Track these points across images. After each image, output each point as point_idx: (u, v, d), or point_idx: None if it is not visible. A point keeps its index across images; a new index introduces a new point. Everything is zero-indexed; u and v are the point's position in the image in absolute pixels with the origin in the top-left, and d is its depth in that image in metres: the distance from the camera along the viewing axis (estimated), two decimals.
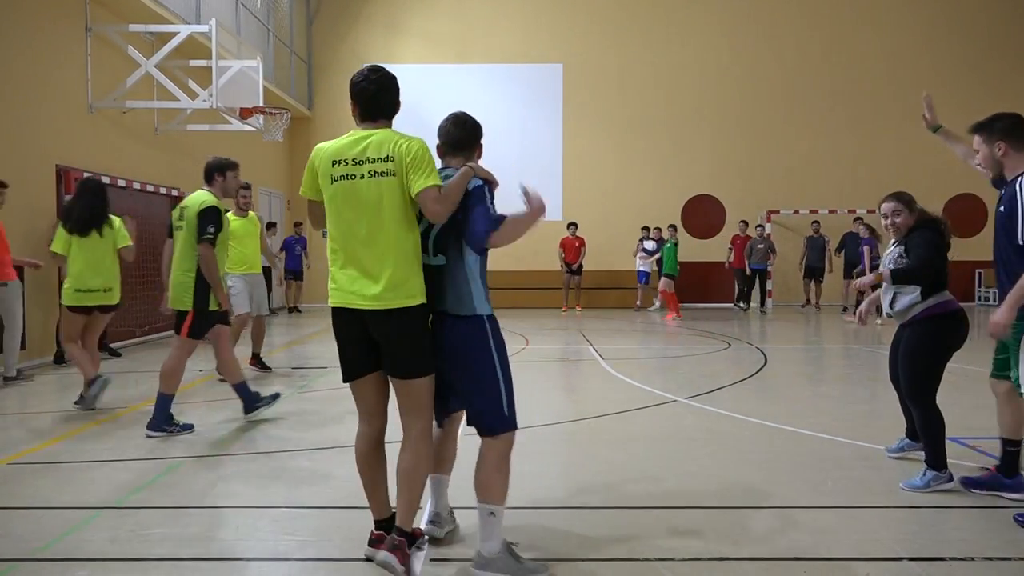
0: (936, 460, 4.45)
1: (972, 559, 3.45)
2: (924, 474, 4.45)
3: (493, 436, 3.38)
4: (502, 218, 3.30)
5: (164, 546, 3.66)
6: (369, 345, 3.33)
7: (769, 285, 18.68)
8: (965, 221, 17.17)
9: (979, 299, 18.88)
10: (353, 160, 3.25)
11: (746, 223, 17.92)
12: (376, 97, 3.36)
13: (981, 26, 19.27)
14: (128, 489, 4.56)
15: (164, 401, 5.84)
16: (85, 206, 6.80)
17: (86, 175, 10.16)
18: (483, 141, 3.71)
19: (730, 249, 18.02)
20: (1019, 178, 3.95)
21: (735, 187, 19.33)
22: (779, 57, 19.43)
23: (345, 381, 3.46)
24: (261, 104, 12.18)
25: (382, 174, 3.21)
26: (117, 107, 11.11)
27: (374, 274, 3.22)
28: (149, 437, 5.73)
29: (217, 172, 6.04)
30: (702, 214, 19.14)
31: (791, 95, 19.38)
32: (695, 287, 19.01)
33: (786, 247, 18.47)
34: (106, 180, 10.78)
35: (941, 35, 19.29)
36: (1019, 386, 3.96)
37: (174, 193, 12.77)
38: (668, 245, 15.95)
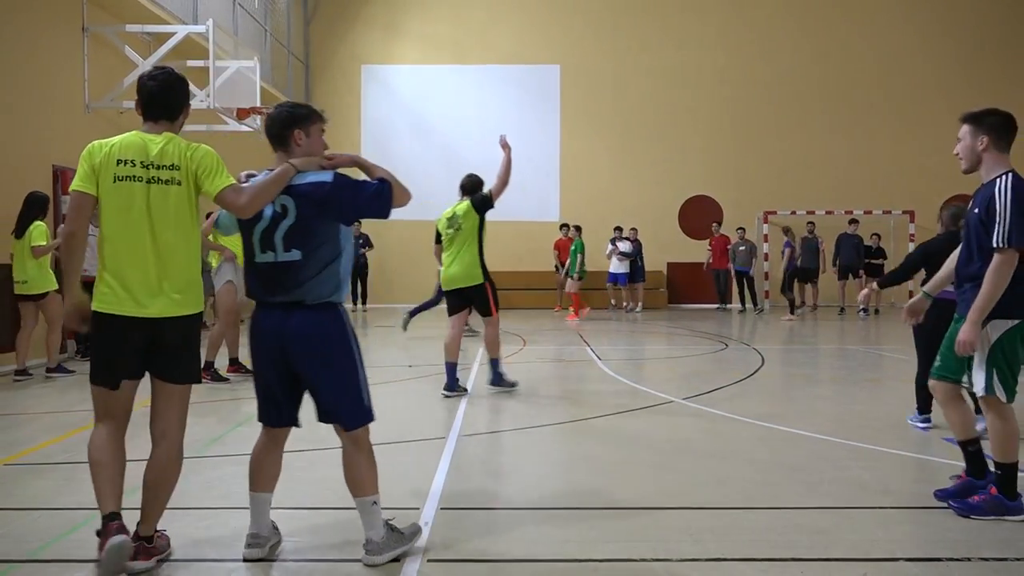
0: None
1: (968, 559, 3.47)
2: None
3: (354, 430, 3.45)
4: (386, 186, 3.44)
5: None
6: (141, 352, 3.29)
7: (766, 286, 18.73)
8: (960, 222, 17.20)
9: None
10: (140, 163, 3.24)
11: (719, 224, 17.97)
12: (157, 96, 3.38)
13: (974, 27, 19.34)
14: (126, 490, 4.54)
15: (496, 363, 7.56)
16: (21, 215, 8.33)
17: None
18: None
19: (709, 251, 18.06)
20: (998, 179, 3.95)
21: (731, 188, 19.37)
22: (774, 59, 19.48)
23: (105, 386, 3.30)
24: (258, 104, 12.16)
25: (167, 182, 3.25)
26: (114, 107, 11.10)
27: (158, 280, 3.24)
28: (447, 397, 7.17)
29: None
30: (699, 215, 19.17)
31: (786, 96, 19.42)
32: (691, 288, 19.05)
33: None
34: None
35: (934, 36, 19.35)
36: (992, 391, 3.92)
37: None
38: (572, 247, 16.32)
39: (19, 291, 8.33)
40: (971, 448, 4.14)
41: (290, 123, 3.44)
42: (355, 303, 18.09)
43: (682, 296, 19.30)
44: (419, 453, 5.40)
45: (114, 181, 3.24)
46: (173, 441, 3.39)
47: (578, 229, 16.92)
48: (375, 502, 3.44)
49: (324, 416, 3.46)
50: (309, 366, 3.37)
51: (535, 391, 7.95)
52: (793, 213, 18.98)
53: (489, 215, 7.30)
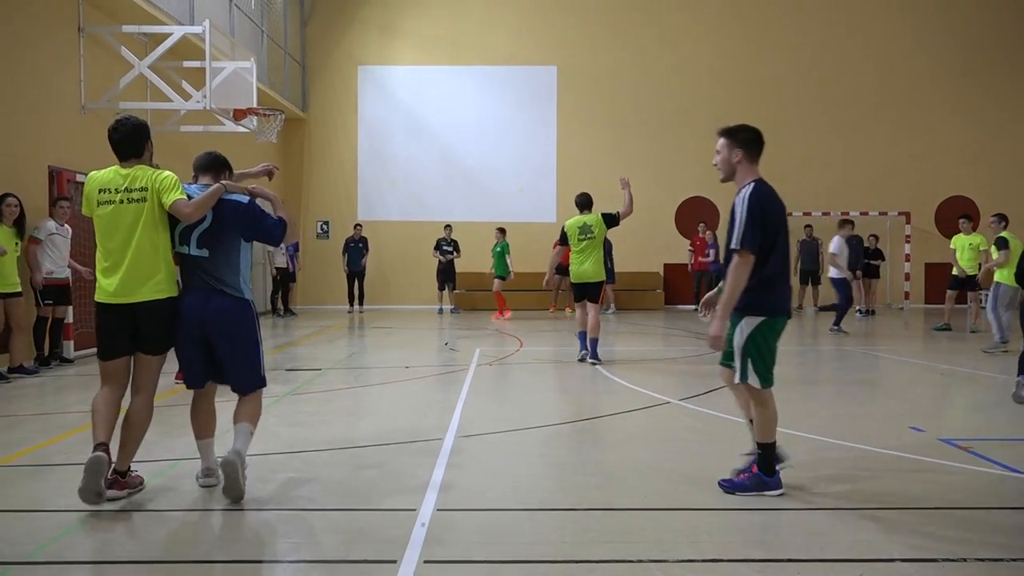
0: None
1: (964, 560, 3.47)
2: None
3: (252, 393, 4.50)
4: (283, 223, 4.52)
5: (157, 549, 3.65)
6: (131, 332, 4.30)
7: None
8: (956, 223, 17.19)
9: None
10: (115, 190, 4.27)
11: (704, 223, 17.90)
12: (122, 144, 4.38)
13: (971, 28, 19.38)
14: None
15: (595, 343, 9.43)
16: None
17: (78, 176, 10.16)
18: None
19: (690, 251, 18.02)
20: (743, 189, 4.38)
21: (728, 189, 19.34)
22: (770, 60, 19.51)
23: (106, 359, 4.36)
24: (255, 105, 12.15)
25: (138, 200, 4.26)
26: (110, 108, 11.06)
27: (138, 275, 4.25)
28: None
29: None
30: (696, 216, 19.17)
31: (782, 98, 19.45)
32: (688, 289, 19.06)
33: None
34: None
35: (931, 37, 19.40)
36: (746, 378, 4.32)
37: None
38: (497, 248, 16.63)
39: None
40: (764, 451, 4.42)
41: (219, 162, 4.62)
42: (351, 304, 18.09)
43: (679, 297, 19.31)
44: (416, 454, 5.39)
45: (97, 206, 4.30)
46: (146, 396, 4.42)
47: (502, 231, 17.14)
48: (252, 432, 4.47)
49: (231, 381, 4.53)
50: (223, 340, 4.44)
51: (532, 392, 7.94)
52: (790, 214, 18.98)
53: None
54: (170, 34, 11.23)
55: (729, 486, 4.41)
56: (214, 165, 4.60)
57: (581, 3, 19.62)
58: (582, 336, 9.53)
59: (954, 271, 13.35)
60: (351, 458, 5.35)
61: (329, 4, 19.85)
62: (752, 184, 4.39)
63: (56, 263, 9.01)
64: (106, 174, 4.34)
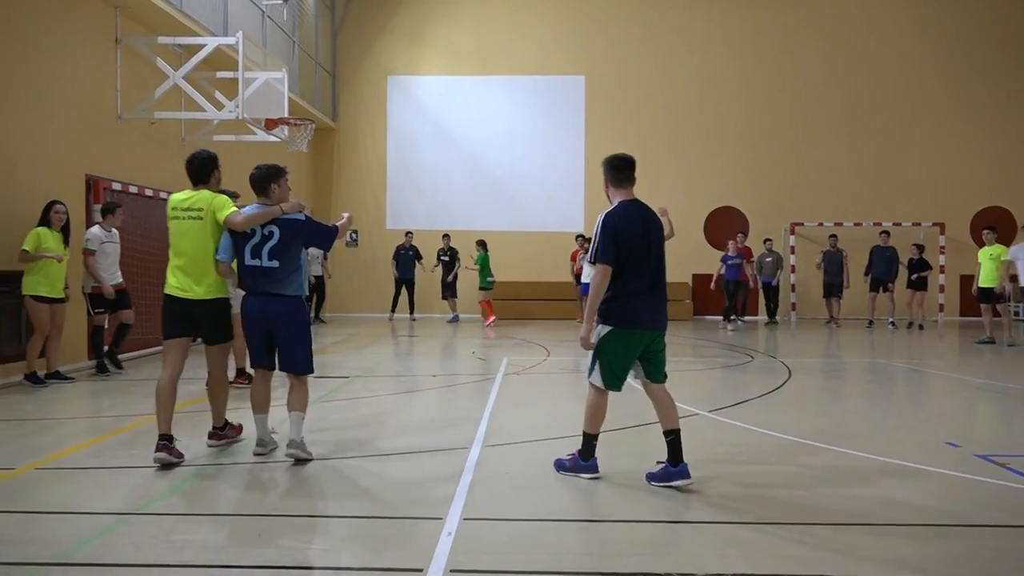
0: None
1: None
2: None
3: (304, 376, 5.41)
4: (334, 230, 5.55)
5: (187, 553, 3.69)
6: (190, 321, 5.42)
7: (793, 298, 18.55)
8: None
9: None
10: (181, 208, 5.40)
11: (734, 239, 17.48)
12: (194, 174, 5.51)
13: (1002, 36, 19.05)
14: (152, 496, 4.60)
15: None
16: None
17: (114, 185, 10.35)
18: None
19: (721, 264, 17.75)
20: (605, 210, 4.92)
21: (758, 199, 19.23)
22: (798, 67, 19.34)
23: (167, 338, 5.45)
24: (286, 115, 12.30)
25: (195, 218, 5.36)
26: (145, 117, 11.27)
27: (194, 276, 5.36)
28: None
29: None
30: (725, 226, 19.00)
31: (811, 105, 19.27)
32: (717, 299, 18.90)
33: (810, 261, 18.23)
34: (134, 189, 10.96)
35: (962, 45, 19.08)
36: (590, 375, 4.94)
37: None
38: (478, 260, 16.99)
39: (32, 292, 8.21)
40: (669, 437, 4.84)
41: (268, 178, 5.40)
42: (393, 311, 18.03)
43: (708, 308, 19.16)
44: (443, 462, 5.40)
45: (170, 220, 5.45)
46: (215, 374, 5.64)
47: (482, 244, 17.30)
48: (303, 416, 5.38)
49: (283, 366, 5.43)
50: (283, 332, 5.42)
51: (559, 401, 7.91)
52: (820, 225, 18.79)
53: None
54: (204, 45, 11.41)
55: (556, 466, 5.10)
56: (266, 180, 5.42)
57: (608, 12, 19.62)
58: None
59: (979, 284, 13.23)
60: (378, 466, 5.36)
61: (359, 14, 20.06)
62: (615, 206, 4.92)
63: (108, 271, 9.04)
64: (179, 195, 5.48)
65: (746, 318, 17.70)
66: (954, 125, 19.05)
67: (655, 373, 4.99)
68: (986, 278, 13.13)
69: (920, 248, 16.55)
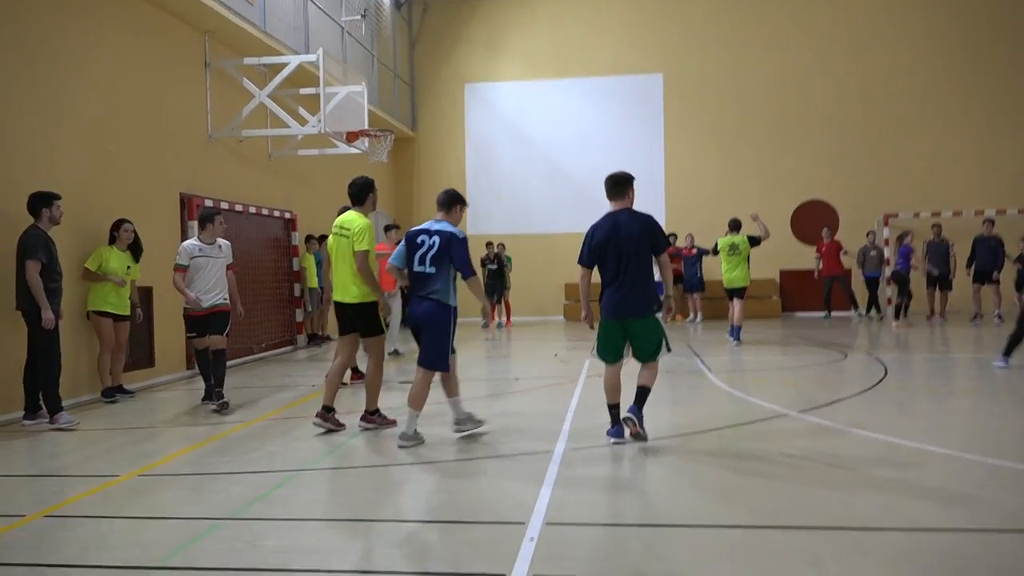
0: None
1: None
2: None
3: (441, 370, 6.05)
4: (473, 270, 6.03)
5: (277, 557, 3.78)
6: (350, 321, 6.53)
7: (888, 292, 17.74)
8: None
9: None
10: (339, 227, 6.52)
11: (828, 228, 16.85)
12: (354, 196, 6.58)
13: None
14: (245, 501, 4.75)
15: (739, 330, 12.50)
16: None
17: (206, 202, 10.78)
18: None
19: (817, 258, 17.07)
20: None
21: (848, 190, 18.49)
22: (885, 55, 18.51)
23: (339, 336, 6.68)
24: (366, 127, 12.56)
25: (345, 236, 6.45)
26: (234, 136, 11.72)
27: (347, 285, 6.47)
28: None
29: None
30: (814, 220, 18.33)
31: (901, 93, 18.41)
32: (805, 295, 18.27)
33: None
34: (224, 205, 11.41)
35: None
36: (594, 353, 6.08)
37: (287, 216, 13.36)
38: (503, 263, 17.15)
39: (96, 307, 8.26)
40: (640, 390, 5.87)
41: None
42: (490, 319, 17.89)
43: (797, 304, 18.55)
44: (525, 467, 5.38)
45: (331, 236, 6.67)
46: (372, 362, 6.56)
47: (502, 246, 17.40)
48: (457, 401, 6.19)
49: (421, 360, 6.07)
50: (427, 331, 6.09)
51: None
52: (917, 216, 17.93)
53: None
54: (287, 64, 11.78)
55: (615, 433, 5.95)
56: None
57: (684, 9, 19.28)
58: (733, 329, 12.47)
59: None
60: (460, 470, 5.39)
61: (436, 25, 20.34)
62: (604, 216, 5.98)
63: (200, 287, 7.91)
64: (341, 215, 6.60)
65: (836, 313, 17.04)
66: None
67: (640, 355, 5.93)
68: None
69: None
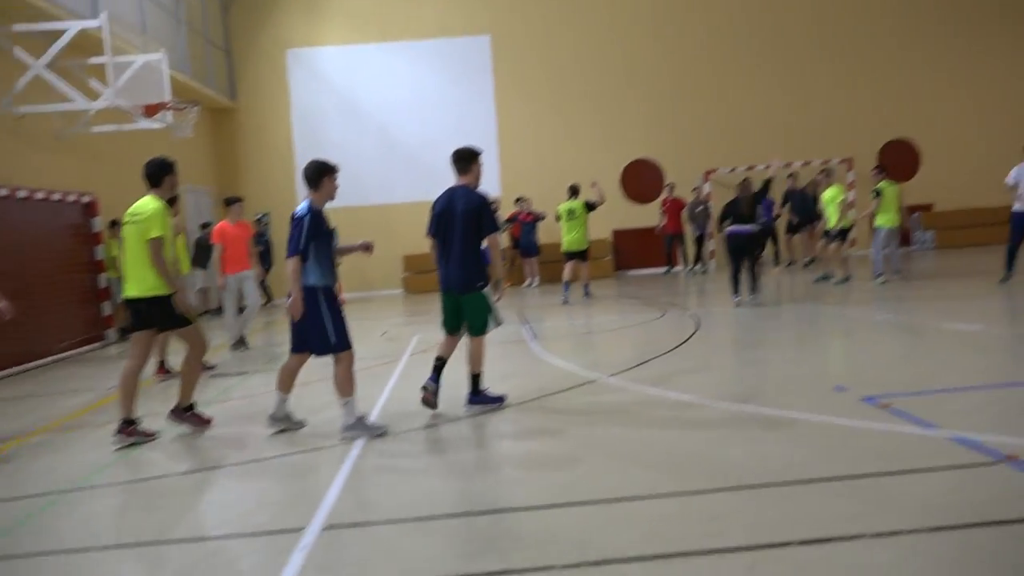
0: None
1: (859, 536, 3.33)
2: None
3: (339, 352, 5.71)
4: (292, 254, 5.54)
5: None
6: (145, 316, 5.90)
7: (711, 246, 18.66)
8: (900, 165, 17.15)
9: (914, 242, 19.10)
10: (131, 214, 5.89)
11: (673, 185, 17.61)
12: (148, 178, 5.90)
13: None
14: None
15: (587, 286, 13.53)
16: None
17: None
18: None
19: (662, 213, 17.78)
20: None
21: (671, 149, 19.17)
22: (709, 14, 19.25)
23: (133, 332, 5.96)
24: (166, 99, 11.66)
25: (134, 224, 5.88)
26: (7, 112, 10.53)
27: (141, 276, 5.80)
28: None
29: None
30: (642, 178, 18.88)
31: (720, 54, 19.25)
32: (634, 253, 18.97)
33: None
34: (4, 192, 10.27)
35: None
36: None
37: (85, 199, 12.21)
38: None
39: None
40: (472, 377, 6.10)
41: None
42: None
43: (630, 262, 19.19)
44: (320, 462, 5.17)
45: (123, 225, 5.94)
46: (192, 354, 6.06)
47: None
48: (347, 403, 5.57)
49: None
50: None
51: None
52: (733, 171, 18.87)
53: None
54: (65, 30, 10.67)
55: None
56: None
57: None
58: (566, 285, 13.21)
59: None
60: (244, 473, 5.09)
61: None
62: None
63: None
64: (138, 201, 5.86)
65: (676, 269, 17.89)
66: (858, 62, 19.16)
67: (469, 328, 6.03)
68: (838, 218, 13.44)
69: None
